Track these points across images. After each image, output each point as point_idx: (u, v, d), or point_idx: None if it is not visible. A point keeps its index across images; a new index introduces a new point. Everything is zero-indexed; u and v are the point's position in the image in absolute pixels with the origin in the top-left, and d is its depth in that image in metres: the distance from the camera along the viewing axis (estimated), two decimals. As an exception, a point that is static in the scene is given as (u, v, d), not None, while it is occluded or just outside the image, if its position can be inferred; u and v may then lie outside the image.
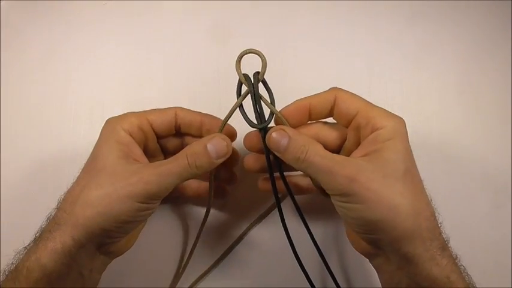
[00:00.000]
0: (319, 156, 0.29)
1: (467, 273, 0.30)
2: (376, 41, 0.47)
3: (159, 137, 0.35)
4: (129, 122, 0.32)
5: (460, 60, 0.46)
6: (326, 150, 0.30)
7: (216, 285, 0.41)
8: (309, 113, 0.33)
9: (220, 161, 0.31)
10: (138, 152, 0.32)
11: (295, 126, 0.33)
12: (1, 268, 0.31)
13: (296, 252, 0.36)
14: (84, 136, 0.44)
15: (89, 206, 0.29)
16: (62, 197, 0.31)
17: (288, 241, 0.36)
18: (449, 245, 0.30)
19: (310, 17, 0.47)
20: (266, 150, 0.33)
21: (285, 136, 0.30)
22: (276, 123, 0.33)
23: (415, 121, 0.45)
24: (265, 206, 0.42)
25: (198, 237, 0.39)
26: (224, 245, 0.41)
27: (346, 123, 0.32)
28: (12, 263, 0.30)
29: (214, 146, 0.30)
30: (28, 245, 0.31)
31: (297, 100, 0.33)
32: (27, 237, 0.42)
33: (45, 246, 0.29)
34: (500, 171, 0.44)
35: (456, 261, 0.29)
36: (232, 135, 0.35)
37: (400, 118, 0.31)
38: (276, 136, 0.31)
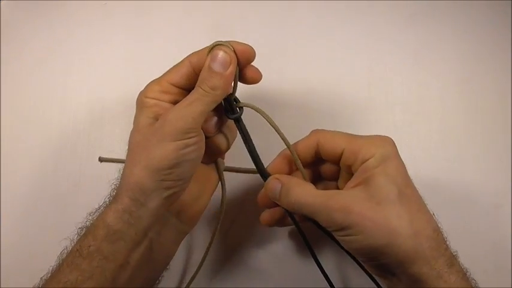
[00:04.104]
0: (311, 196, 0.30)
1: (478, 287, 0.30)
2: (376, 41, 0.47)
3: (185, 89, 0.33)
4: (151, 89, 0.32)
5: (460, 59, 0.46)
6: (317, 190, 0.31)
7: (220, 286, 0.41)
8: (295, 165, 0.34)
9: (232, 69, 0.30)
10: (167, 106, 0.32)
11: (287, 174, 0.35)
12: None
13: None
14: (84, 135, 0.44)
15: (134, 165, 0.30)
16: (121, 167, 0.32)
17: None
18: (458, 260, 0.29)
19: (310, 17, 0.47)
20: (247, 145, 0.33)
21: (278, 183, 0.32)
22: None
23: (415, 121, 0.45)
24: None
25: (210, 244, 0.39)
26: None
27: (336, 161, 0.33)
28: (85, 224, 0.31)
29: (216, 62, 0.30)
30: (98, 208, 0.32)
31: (281, 152, 0.35)
32: (28, 235, 0.42)
33: (110, 208, 0.30)
34: (500, 171, 0.44)
35: (467, 275, 0.29)
36: (244, 53, 0.32)
37: (387, 139, 0.31)
38: (271, 184, 0.32)
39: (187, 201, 0.33)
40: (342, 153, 0.32)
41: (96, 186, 0.41)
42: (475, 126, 0.45)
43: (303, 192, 0.31)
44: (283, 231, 0.42)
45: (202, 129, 0.32)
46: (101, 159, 0.43)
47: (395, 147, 0.31)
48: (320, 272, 0.37)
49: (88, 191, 0.42)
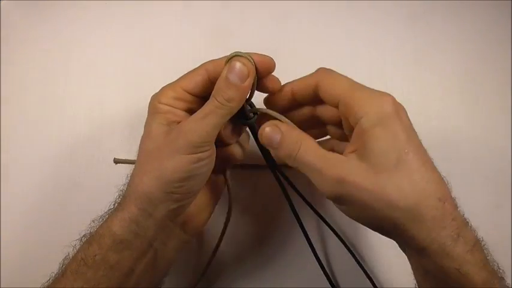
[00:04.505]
0: (312, 155, 0.29)
1: (492, 259, 0.28)
2: (376, 41, 0.47)
3: (200, 96, 0.32)
4: (165, 95, 0.31)
5: (461, 59, 0.46)
6: (319, 147, 0.29)
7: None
8: (292, 98, 0.33)
9: (249, 82, 0.29)
10: (182, 114, 0.31)
11: (285, 110, 0.33)
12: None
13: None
14: (84, 136, 0.43)
15: (144, 174, 0.29)
16: (129, 172, 0.32)
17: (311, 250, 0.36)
18: (468, 229, 0.28)
19: (310, 17, 0.47)
20: (259, 145, 0.33)
21: (277, 132, 0.30)
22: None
23: (415, 121, 0.44)
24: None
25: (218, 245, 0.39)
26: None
27: (335, 106, 0.31)
28: (89, 231, 0.31)
29: (233, 73, 0.29)
30: (103, 216, 0.31)
31: (282, 85, 0.33)
32: (27, 235, 0.42)
33: (116, 215, 0.30)
34: (501, 171, 0.44)
35: (477, 246, 0.27)
36: (264, 63, 0.31)
37: (386, 97, 0.28)
38: (269, 131, 0.30)
39: (192, 212, 0.33)
40: (338, 103, 0.30)
41: (96, 187, 0.42)
42: (476, 126, 0.45)
43: (305, 147, 0.29)
44: (289, 234, 0.42)
45: (224, 137, 0.32)
46: (116, 161, 0.42)
47: (396, 106, 0.28)
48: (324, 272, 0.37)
49: (88, 192, 0.42)
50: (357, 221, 0.29)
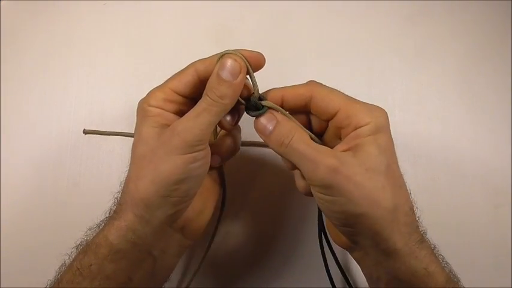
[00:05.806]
0: (304, 144, 0.29)
1: (446, 262, 0.30)
2: (376, 41, 0.47)
3: (190, 97, 0.32)
4: (154, 97, 0.31)
5: (460, 60, 0.46)
6: (312, 141, 0.30)
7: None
8: (281, 105, 0.32)
9: (241, 78, 0.29)
10: (172, 117, 0.31)
11: None
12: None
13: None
14: (84, 136, 0.44)
15: (139, 179, 0.29)
16: (123, 178, 0.31)
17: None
18: (426, 237, 0.30)
19: (310, 17, 0.47)
20: None
21: (273, 119, 0.31)
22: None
23: (415, 121, 0.45)
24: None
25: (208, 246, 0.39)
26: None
27: (327, 119, 0.32)
28: (85, 239, 0.30)
29: (224, 70, 0.29)
30: (100, 224, 0.31)
31: (271, 90, 0.33)
32: (27, 236, 0.42)
33: (112, 224, 0.29)
34: (500, 171, 0.44)
35: (434, 251, 0.30)
36: (254, 59, 0.31)
37: (382, 110, 0.30)
38: (264, 119, 0.31)
39: (191, 216, 0.32)
40: (335, 114, 0.30)
41: (96, 187, 0.42)
42: (475, 126, 0.45)
43: (299, 138, 0.30)
44: (283, 231, 0.42)
45: (223, 124, 0.32)
46: (85, 132, 0.43)
47: (388, 120, 0.30)
48: (324, 272, 0.37)
49: (88, 191, 0.42)
50: (334, 217, 0.30)
